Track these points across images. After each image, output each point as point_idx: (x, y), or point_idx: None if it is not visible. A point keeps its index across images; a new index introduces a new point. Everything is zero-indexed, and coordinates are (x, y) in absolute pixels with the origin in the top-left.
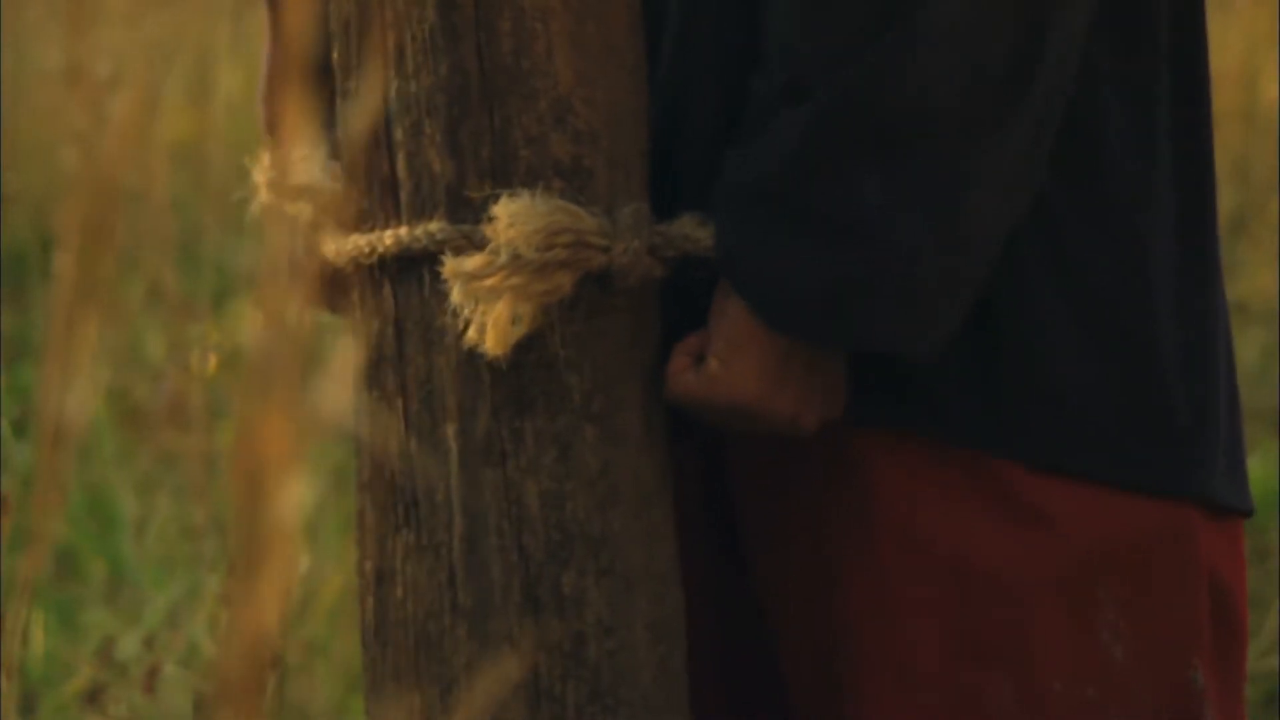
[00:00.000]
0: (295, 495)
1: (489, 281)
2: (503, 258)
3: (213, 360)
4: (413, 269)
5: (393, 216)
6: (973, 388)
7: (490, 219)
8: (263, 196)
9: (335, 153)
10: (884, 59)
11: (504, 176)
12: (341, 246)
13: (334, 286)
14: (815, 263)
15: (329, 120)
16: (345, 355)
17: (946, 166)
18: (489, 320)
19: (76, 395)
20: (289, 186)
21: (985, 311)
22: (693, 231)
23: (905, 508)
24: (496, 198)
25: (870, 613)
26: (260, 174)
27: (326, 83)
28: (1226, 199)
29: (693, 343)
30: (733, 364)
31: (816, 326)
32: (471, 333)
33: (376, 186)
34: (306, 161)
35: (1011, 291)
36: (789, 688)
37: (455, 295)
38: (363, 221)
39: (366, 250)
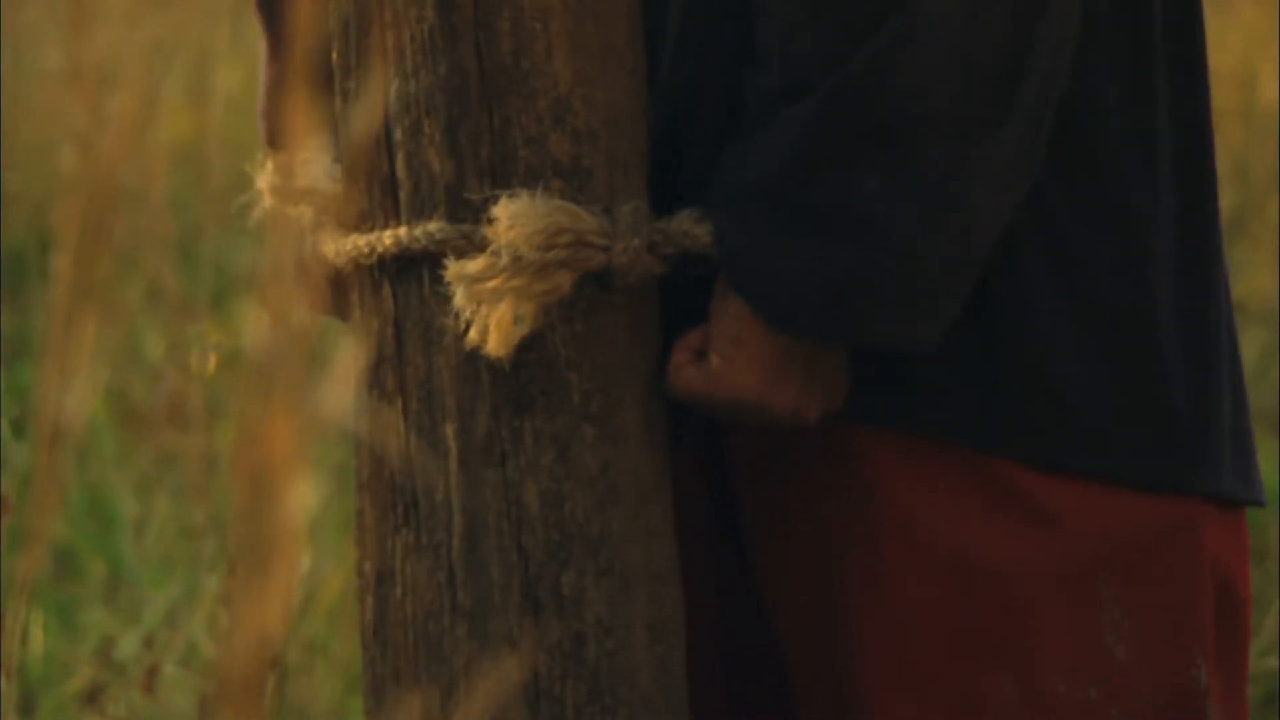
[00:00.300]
0: (301, 495)
1: (491, 283)
2: (504, 259)
3: (212, 360)
4: (412, 269)
5: (392, 216)
6: (973, 386)
7: (490, 219)
8: (265, 202)
9: (339, 157)
10: (879, 58)
11: (503, 176)
12: (341, 247)
13: (339, 292)
14: (815, 260)
15: (332, 126)
16: (348, 355)
17: (944, 162)
18: (491, 322)
19: (74, 395)
20: (291, 190)
21: (985, 309)
22: (692, 228)
23: (906, 506)
24: (496, 198)
25: (872, 611)
26: (263, 180)
27: (330, 88)
28: (1226, 199)
29: (694, 338)
30: (734, 360)
31: (816, 324)
32: (473, 334)
33: (376, 186)
34: (309, 165)
35: (1011, 290)
36: (791, 686)
37: (459, 298)
38: (362, 222)
39: (366, 250)
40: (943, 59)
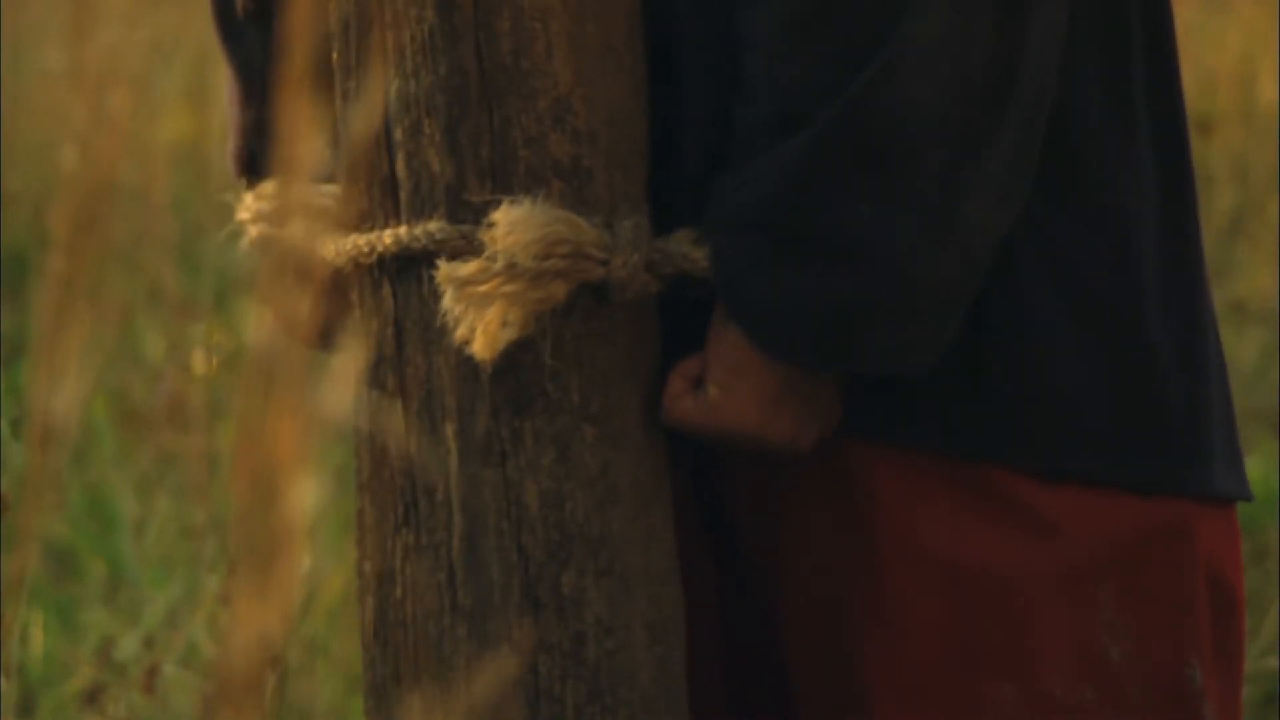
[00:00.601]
0: (303, 495)
1: (482, 288)
2: (498, 265)
3: (213, 360)
4: (412, 269)
5: (392, 216)
6: (967, 395)
7: (490, 224)
8: (251, 233)
9: (333, 168)
10: (869, 85)
11: (503, 176)
12: (341, 246)
13: (325, 327)
14: (813, 288)
15: (331, 131)
16: (349, 355)
17: (939, 182)
18: (479, 325)
19: (65, 393)
20: (281, 210)
21: (978, 316)
22: (690, 251)
23: (904, 516)
24: (498, 202)
25: (871, 617)
26: (244, 211)
27: (329, 93)
28: (1226, 199)
29: (691, 366)
30: (733, 392)
31: (816, 352)
32: (461, 331)
33: (376, 186)
34: (296, 184)
35: (1004, 295)
36: (794, 693)
37: (447, 300)
38: (362, 221)
39: (366, 250)
40: (933, 83)
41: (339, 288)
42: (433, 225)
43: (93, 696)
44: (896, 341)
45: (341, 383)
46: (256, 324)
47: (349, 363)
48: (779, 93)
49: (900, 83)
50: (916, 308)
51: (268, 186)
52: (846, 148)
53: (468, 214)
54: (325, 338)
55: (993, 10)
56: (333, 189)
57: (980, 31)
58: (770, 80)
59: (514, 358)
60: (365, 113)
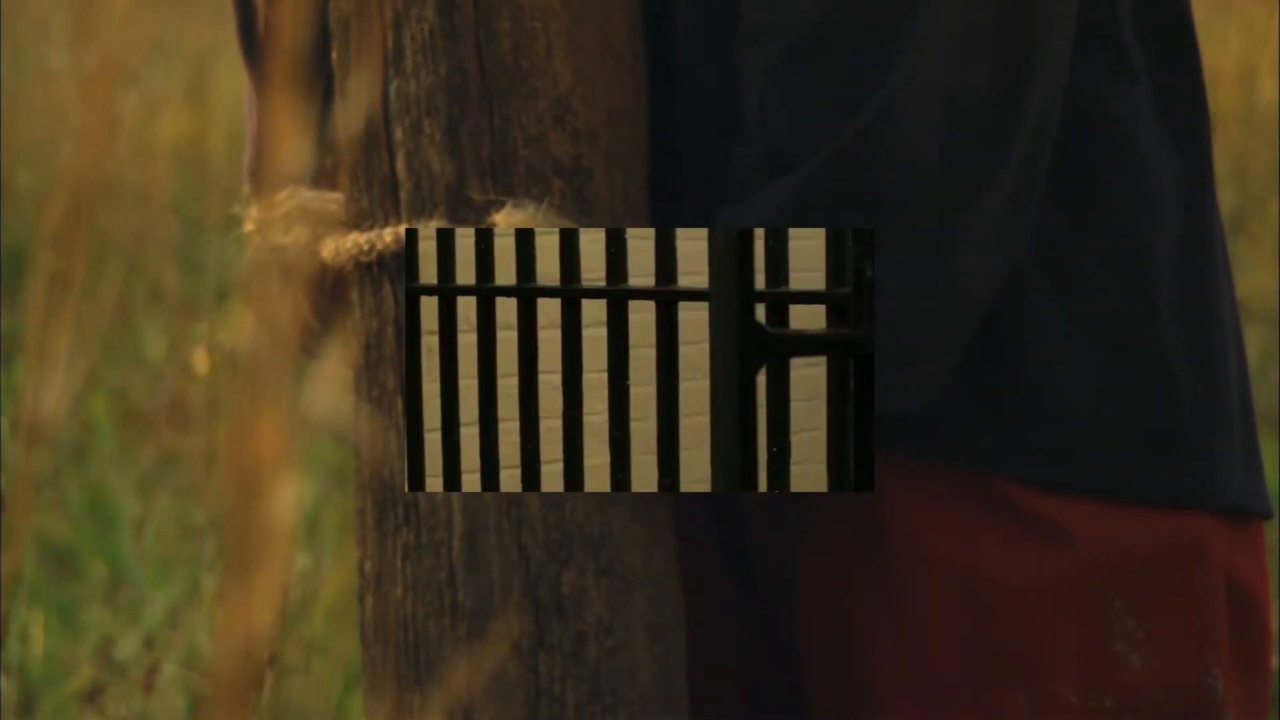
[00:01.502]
0: (287, 496)
1: None
2: None
3: (213, 360)
4: None
5: (393, 216)
6: (980, 410)
7: (490, 226)
8: (256, 244)
9: (318, 174)
10: (864, 130)
11: (504, 176)
12: (341, 245)
13: (315, 331)
14: None
15: (316, 132)
16: (336, 356)
17: (935, 227)
18: None
19: (55, 390)
20: (279, 218)
21: (989, 332)
22: None
23: (918, 524)
24: (500, 203)
25: (886, 629)
26: (250, 224)
27: (313, 95)
28: (1226, 199)
29: None
30: None
31: None
32: None
33: (376, 186)
34: (292, 193)
35: (1015, 311)
36: (808, 699)
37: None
38: (362, 220)
39: (366, 249)
40: (928, 130)
41: (336, 293)
42: (433, 225)
43: (93, 696)
44: (884, 385)
45: (329, 383)
46: (245, 327)
47: (334, 364)
48: (771, 135)
49: (891, 131)
50: (904, 352)
51: (273, 198)
52: (836, 193)
53: (468, 213)
54: (319, 342)
55: (991, 56)
56: (337, 196)
57: (978, 78)
58: (763, 122)
59: None
60: (363, 112)
